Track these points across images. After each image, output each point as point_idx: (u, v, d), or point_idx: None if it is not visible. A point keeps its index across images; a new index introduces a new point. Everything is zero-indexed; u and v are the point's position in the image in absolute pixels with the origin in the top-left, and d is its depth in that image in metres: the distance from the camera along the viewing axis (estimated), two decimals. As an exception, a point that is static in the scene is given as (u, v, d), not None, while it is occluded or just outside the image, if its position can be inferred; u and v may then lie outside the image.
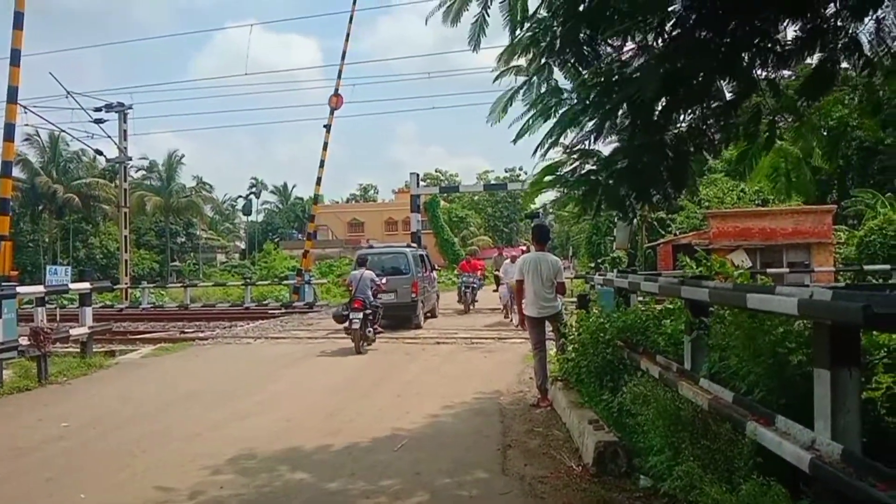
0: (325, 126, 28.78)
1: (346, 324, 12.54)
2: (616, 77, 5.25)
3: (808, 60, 5.48)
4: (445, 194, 62.54)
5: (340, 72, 28.68)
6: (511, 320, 15.82)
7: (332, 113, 28.56)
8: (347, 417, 7.39)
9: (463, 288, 21.17)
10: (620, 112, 5.40)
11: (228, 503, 4.83)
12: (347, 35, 28.97)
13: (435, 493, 4.99)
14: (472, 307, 21.14)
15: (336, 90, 28.72)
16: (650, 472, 4.79)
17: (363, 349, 12.38)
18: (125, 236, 33.08)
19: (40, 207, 55.88)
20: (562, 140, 5.61)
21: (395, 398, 8.31)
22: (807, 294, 3.28)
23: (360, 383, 9.47)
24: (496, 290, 20.37)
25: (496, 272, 20.87)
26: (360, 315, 12.36)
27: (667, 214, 30.14)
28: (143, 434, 6.81)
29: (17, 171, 52.37)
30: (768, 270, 18.58)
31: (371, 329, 12.82)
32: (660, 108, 5.43)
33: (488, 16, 5.28)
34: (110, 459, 5.93)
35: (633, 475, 5.03)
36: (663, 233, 29.93)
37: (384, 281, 14.22)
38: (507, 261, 17.92)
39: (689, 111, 5.70)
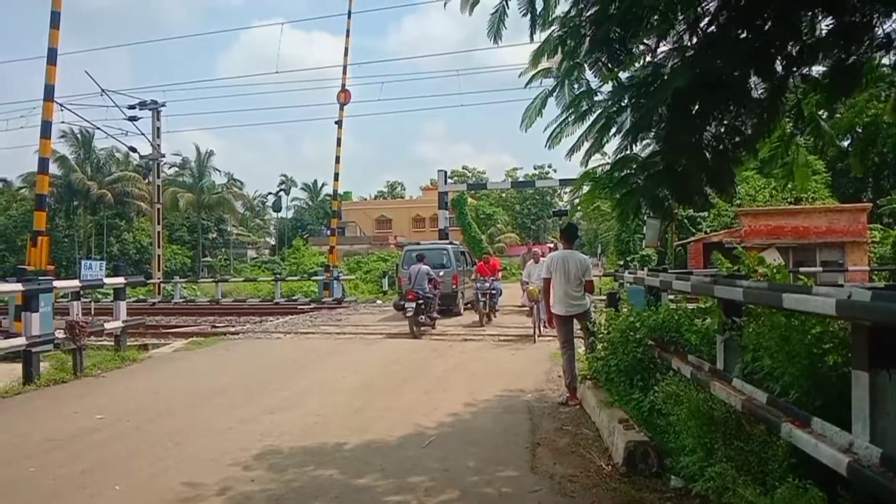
0: (336, 122, 29.02)
1: (404, 311, 14.66)
2: (651, 77, 5.19)
3: (842, 56, 5.37)
4: (473, 191, 62.44)
5: (345, 67, 28.94)
6: (536, 335, 13.20)
7: (341, 108, 28.81)
8: (376, 414, 7.42)
9: (479, 295, 16.53)
10: (657, 113, 5.34)
11: (257, 498, 4.88)
12: (347, 31, 29.28)
13: (464, 490, 4.99)
14: (493, 317, 17.22)
15: (343, 86, 28.96)
16: (681, 472, 4.74)
17: (418, 333, 14.37)
18: (158, 232, 33.57)
19: (75, 203, 56.94)
20: (601, 144, 5.58)
21: (422, 395, 8.33)
22: (845, 294, 3.21)
23: (388, 380, 9.51)
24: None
25: (521, 275, 17.91)
26: (414, 305, 14.39)
27: (697, 212, 29.78)
28: (175, 428, 6.91)
29: (53, 168, 53.50)
30: (801, 269, 18.27)
31: (426, 316, 14.93)
32: (696, 107, 5.36)
33: (507, 7, 5.24)
34: (144, 452, 6.02)
35: (663, 475, 4.99)
36: (693, 231, 29.60)
37: (441, 274, 17.24)
38: (531, 261, 15.75)
39: (727, 110, 5.62)
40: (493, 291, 16.70)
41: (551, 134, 5.54)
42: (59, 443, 6.37)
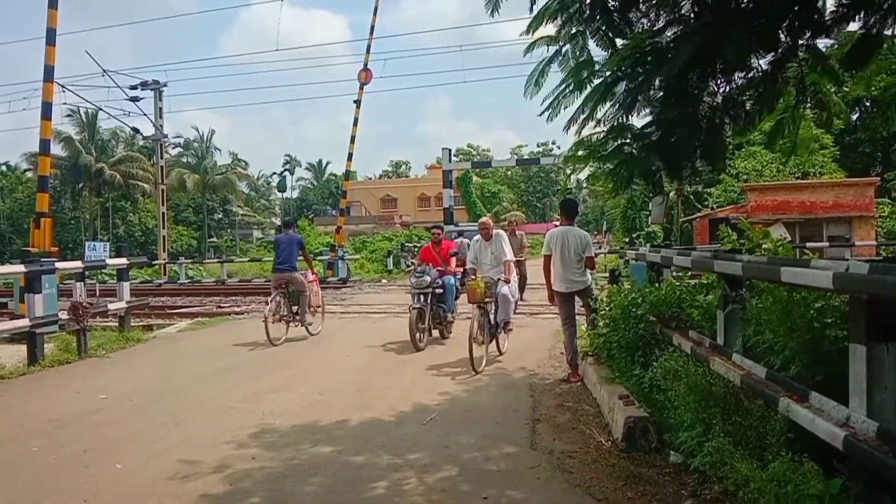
0: (354, 101, 28.82)
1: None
2: (649, 48, 5.11)
3: (851, 27, 5.27)
4: (478, 170, 62.25)
5: (369, 46, 28.74)
6: (482, 361, 8.34)
7: (361, 87, 28.58)
8: (377, 392, 7.43)
9: (417, 294, 10.12)
10: (654, 84, 5.26)
11: (256, 476, 4.89)
12: (375, 8, 28.92)
13: (463, 466, 4.99)
14: (446, 332, 10.72)
15: (365, 65, 28.69)
16: (680, 448, 4.73)
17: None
18: (163, 213, 33.61)
19: (80, 185, 57.01)
20: (596, 115, 5.51)
21: (424, 373, 8.33)
22: (842, 267, 3.16)
23: (391, 358, 9.51)
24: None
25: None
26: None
27: (703, 188, 29.62)
28: (177, 407, 6.93)
29: (57, 149, 53.60)
30: (808, 244, 18.18)
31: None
32: (694, 79, 5.28)
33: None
34: (146, 432, 6.05)
35: (663, 451, 4.98)
36: (700, 207, 29.43)
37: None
38: (464, 240, 13.27)
39: (725, 82, 5.54)
40: (440, 290, 10.27)
41: (551, 104, 5.47)
42: (62, 422, 6.40)
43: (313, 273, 12.15)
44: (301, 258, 11.60)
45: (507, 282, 9.07)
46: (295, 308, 11.30)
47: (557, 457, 5.12)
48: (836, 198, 23.82)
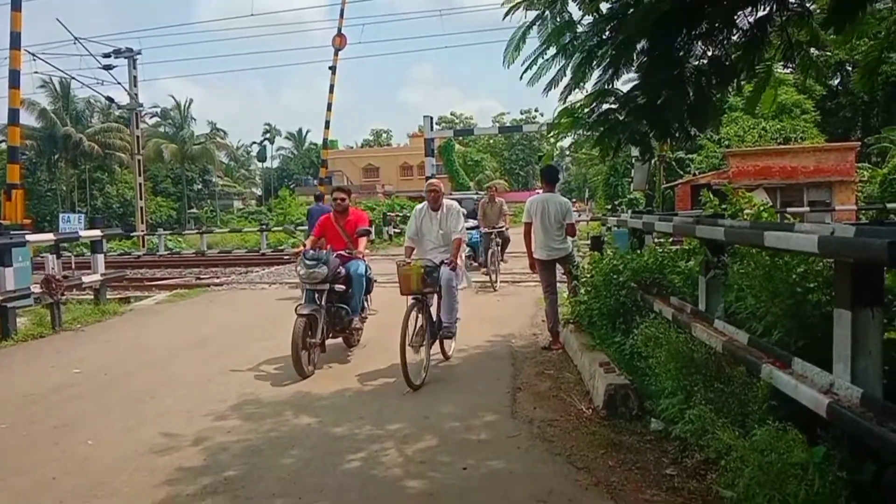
0: (330, 68, 28.31)
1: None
2: (633, 8, 4.97)
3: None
4: (460, 138, 61.81)
5: (342, 10, 28.10)
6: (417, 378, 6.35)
7: (336, 53, 28.09)
8: (358, 362, 7.34)
9: (309, 291, 7.32)
10: (638, 46, 5.13)
11: (233, 449, 4.80)
12: None
13: (443, 436, 4.93)
14: (352, 338, 7.93)
15: (339, 30, 28.17)
16: (661, 415, 4.69)
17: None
18: (140, 184, 33.07)
19: (56, 156, 55.98)
20: (580, 81, 5.38)
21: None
22: (828, 231, 3.08)
23: (373, 328, 9.40)
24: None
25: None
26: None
27: (685, 154, 29.60)
28: (152, 380, 6.81)
29: (31, 120, 52.51)
30: (788, 209, 18.23)
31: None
32: (679, 41, 5.15)
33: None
34: (119, 406, 5.92)
35: (644, 418, 4.95)
36: (681, 173, 29.45)
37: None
38: (485, 204, 14.45)
39: (711, 44, 5.42)
40: (341, 286, 7.41)
41: (529, 66, 5.32)
42: (34, 398, 6.25)
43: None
44: None
45: (454, 267, 6.93)
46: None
47: (538, 425, 5.07)
48: (817, 163, 23.89)
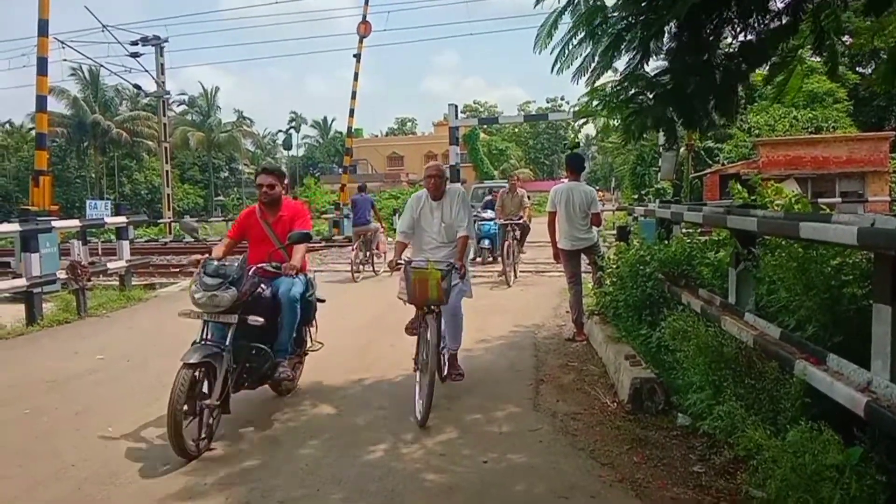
0: (354, 55, 28.15)
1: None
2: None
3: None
4: (485, 126, 61.48)
5: None
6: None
7: (361, 41, 27.89)
8: (380, 352, 7.28)
9: (208, 325, 4.95)
10: (667, 29, 4.98)
11: (251, 437, 4.77)
12: None
13: (464, 428, 4.85)
14: (285, 390, 5.73)
15: (364, 17, 27.98)
16: (689, 410, 4.56)
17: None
18: (167, 171, 33.35)
19: (85, 144, 56.67)
20: (609, 64, 5.26)
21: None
22: (867, 222, 2.94)
23: (395, 317, 9.26)
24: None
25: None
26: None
27: (714, 143, 29.11)
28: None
29: (61, 108, 53.18)
30: (819, 200, 17.83)
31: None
32: (710, 24, 5.00)
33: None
34: (140, 392, 5.92)
35: (670, 413, 4.82)
36: (710, 163, 28.97)
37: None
38: (505, 195, 13.71)
39: (742, 28, 5.24)
40: (257, 319, 4.84)
41: (560, 54, 5.19)
42: (57, 383, 6.28)
43: (381, 226, 14.87)
44: (373, 214, 14.42)
45: (463, 274, 5.56)
46: (368, 254, 14.17)
47: (561, 419, 4.97)
48: (849, 153, 23.36)
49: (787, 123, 27.76)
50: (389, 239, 13.81)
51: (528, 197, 14.14)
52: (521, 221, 13.07)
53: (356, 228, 14.34)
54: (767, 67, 5.90)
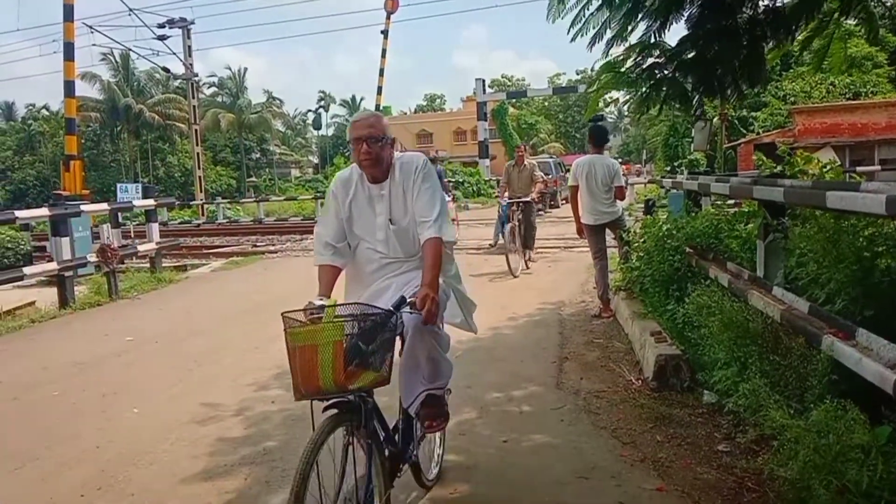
0: (382, 32, 27.98)
1: None
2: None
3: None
4: (514, 100, 60.81)
5: None
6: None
7: (388, 17, 27.71)
8: (403, 330, 7.24)
9: None
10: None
11: (274, 419, 4.77)
12: None
13: (483, 407, 4.80)
14: None
15: (392, -9, 27.74)
16: (715, 387, 4.45)
17: None
18: (198, 153, 33.66)
19: (119, 128, 57.44)
20: (625, 33, 5.05)
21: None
22: (897, 190, 2.79)
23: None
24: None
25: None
26: None
27: (749, 112, 28.40)
28: (201, 348, 6.87)
29: (94, 92, 53.88)
30: (858, 168, 17.30)
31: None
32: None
33: None
34: (166, 374, 5.98)
35: (696, 391, 4.71)
36: (744, 132, 28.28)
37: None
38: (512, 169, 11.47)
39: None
40: None
41: (575, 19, 4.99)
42: (86, 366, 6.38)
43: (450, 195, 15.74)
44: (442, 186, 14.82)
45: (428, 314, 2.83)
46: None
47: (584, 397, 4.89)
48: (889, 119, 22.61)
49: (824, 90, 26.95)
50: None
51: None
52: (529, 199, 11.15)
53: None
54: (801, 33, 5.65)
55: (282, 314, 2.70)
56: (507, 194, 11.35)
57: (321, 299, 2.98)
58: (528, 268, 10.92)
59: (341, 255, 3.39)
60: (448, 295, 3.42)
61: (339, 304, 2.76)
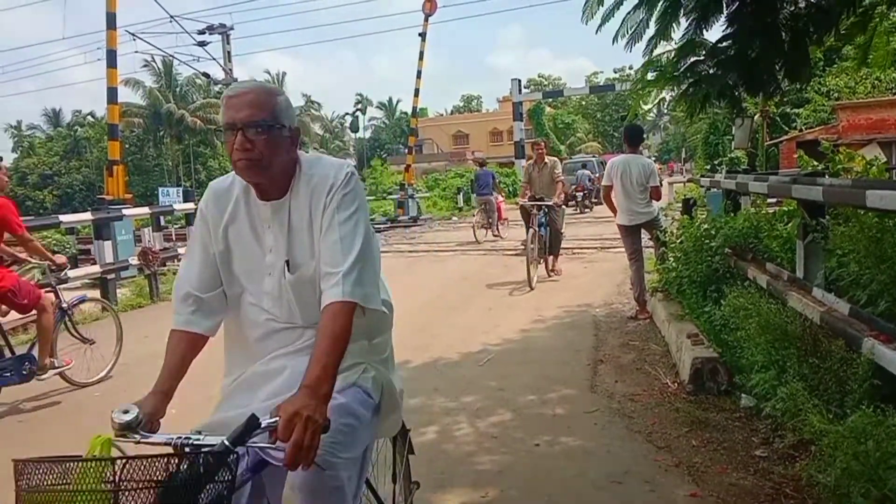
0: (420, 34, 27.97)
1: None
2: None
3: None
4: (551, 100, 60.46)
5: None
6: None
7: (426, 19, 27.65)
8: (438, 331, 7.26)
9: None
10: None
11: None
12: None
13: (517, 410, 4.77)
14: None
15: (430, -6, 27.71)
16: (752, 391, 4.35)
17: None
18: (237, 157, 34.03)
19: (161, 133, 58.64)
20: (666, 31, 4.99)
21: (486, 311, 8.11)
22: (942, 188, 2.70)
23: (454, 296, 9.34)
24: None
25: None
26: None
27: (791, 109, 27.80)
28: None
29: (137, 98, 55.12)
30: (906, 166, 16.82)
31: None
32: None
33: None
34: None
35: (733, 394, 4.62)
36: (786, 129, 27.70)
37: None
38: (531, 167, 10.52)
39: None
40: None
41: (604, 15, 4.94)
42: (127, 367, 6.50)
43: (501, 196, 18.33)
44: (493, 186, 17.21)
45: (301, 435, 1.51)
46: (490, 219, 16.78)
47: (618, 400, 4.83)
48: (939, 113, 21.94)
49: (870, 85, 26.25)
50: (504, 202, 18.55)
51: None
52: (552, 203, 10.00)
53: (479, 198, 17.49)
54: (843, 27, 5.51)
55: (13, 462, 1.45)
56: (528, 194, 10.26)
57: (128, 410, 1.68)
58: (550, 276, 10.19)
59: (208, 313, 2.15)
60: (371, 404, 2.02)
61: (120, 437, 1.62)
